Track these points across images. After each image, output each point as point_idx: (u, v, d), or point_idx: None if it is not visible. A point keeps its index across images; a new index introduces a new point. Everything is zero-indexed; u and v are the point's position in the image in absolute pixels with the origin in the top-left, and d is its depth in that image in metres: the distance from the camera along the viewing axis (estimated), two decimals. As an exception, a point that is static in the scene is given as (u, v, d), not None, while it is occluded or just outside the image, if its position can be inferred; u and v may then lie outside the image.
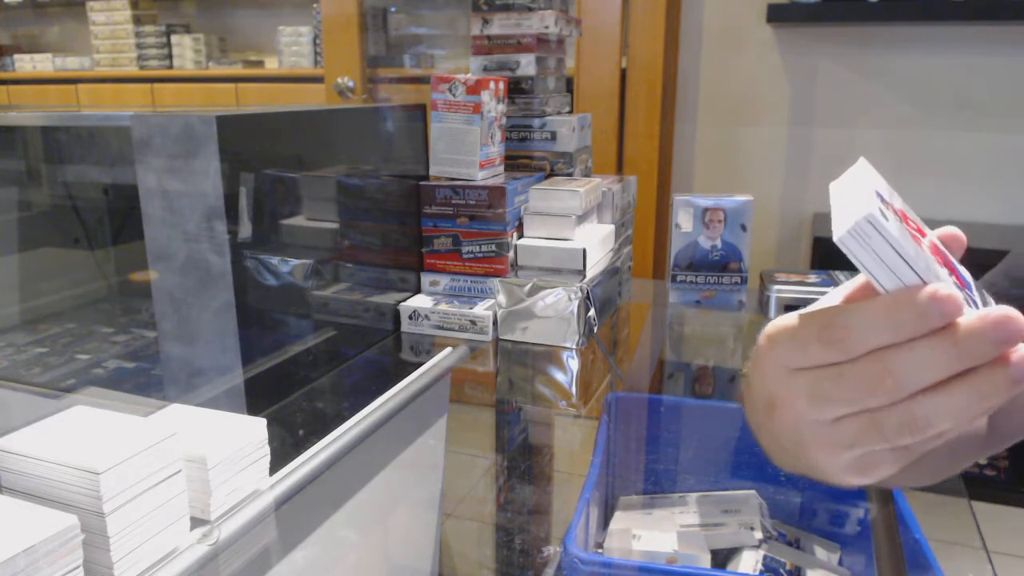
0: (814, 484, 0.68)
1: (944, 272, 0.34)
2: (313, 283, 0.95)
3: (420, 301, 1.12)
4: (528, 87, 1.23)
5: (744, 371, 0.43)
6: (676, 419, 0.96)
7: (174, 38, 3.41)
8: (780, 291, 1.23)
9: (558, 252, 1.10)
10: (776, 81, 2.33)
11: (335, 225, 0.99)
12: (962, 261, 0.39)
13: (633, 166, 2.30)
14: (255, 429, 0.64)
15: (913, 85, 2.20)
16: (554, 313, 1.04)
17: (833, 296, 0.39)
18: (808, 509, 0.89)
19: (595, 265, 1.14)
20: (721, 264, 1.33)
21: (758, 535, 0.78)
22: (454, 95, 1.11)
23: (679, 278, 1.33)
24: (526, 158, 1.27)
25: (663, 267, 2.31)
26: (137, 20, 3.43)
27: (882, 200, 0.34)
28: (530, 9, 1.19)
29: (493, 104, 1.14)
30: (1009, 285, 0.57)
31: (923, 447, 0.34)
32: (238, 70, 3.32)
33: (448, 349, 1.03)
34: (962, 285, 0.35)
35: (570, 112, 1.34)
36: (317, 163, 0.96)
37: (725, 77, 2.39)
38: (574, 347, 1.05)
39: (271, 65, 3.37)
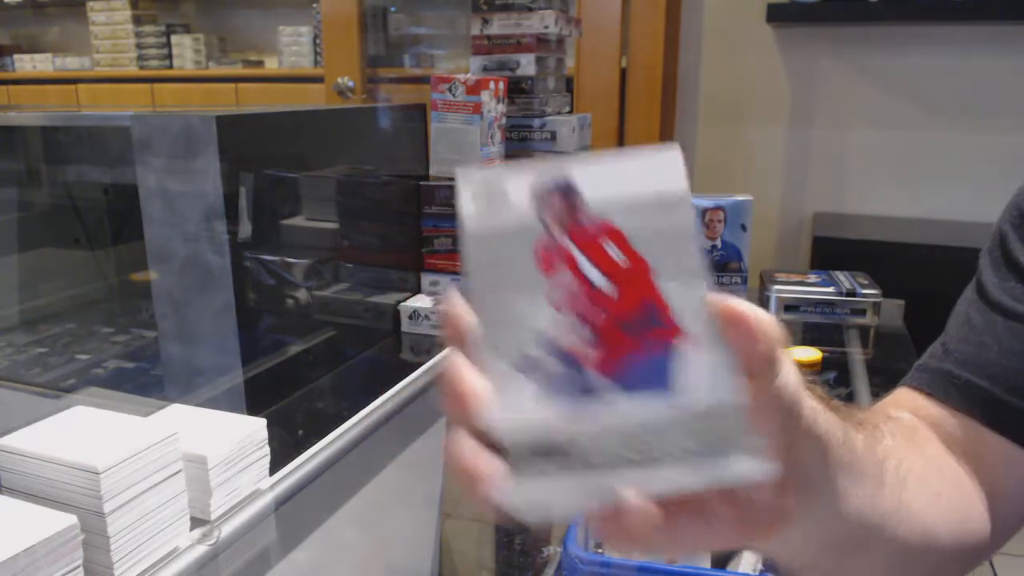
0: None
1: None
2: (313, 283, 0.95)
3: (420, 301, 1.12)
4: (528, 87, 1.23)
5: None
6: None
7: (174, 38, 3.41)
8: (780, 291, 1.23)
9: (558, 252, 1.10)
10: (776, 81, 2.33)
11: (335, 225, 0.99)
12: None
13: (633, 166, 2.29)
14: (255, 429, 0.65)
15: (913, 85, 2.20)
16: (554, 313, 1.04)
17: None
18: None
19: (595, 265, 1.13)
20: (721, 264, 1.32)
21: (758, 535, 0.78)
22: (454, 95, 1.11)
23: (679, 278, 1.33)
24: (526, 158, 1.27)
25: (663, 267, 2.30)
26: (137, 20, 3.43)
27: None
28: (530, 9, 1.19)
29: (493, 104, 1.14)
30: None
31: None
32: (238, 70, 3.31)
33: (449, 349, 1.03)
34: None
35: (570, 112, 1.34)
36: (317, 163, 0.96)
37: (725, 77, 2.39)
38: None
39: (271, 65, 3.37)
